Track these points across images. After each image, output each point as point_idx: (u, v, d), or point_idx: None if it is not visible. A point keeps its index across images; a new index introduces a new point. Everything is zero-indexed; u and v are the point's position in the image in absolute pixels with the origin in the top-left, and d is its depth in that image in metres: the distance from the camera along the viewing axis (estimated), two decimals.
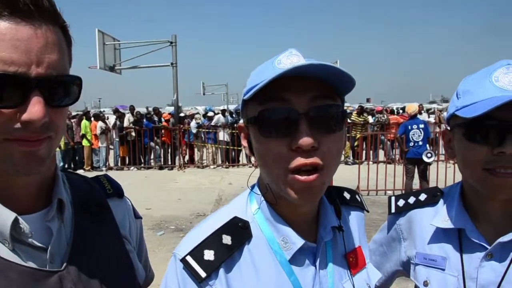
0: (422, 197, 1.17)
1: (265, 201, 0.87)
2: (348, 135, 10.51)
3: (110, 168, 13.28)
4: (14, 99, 0.66)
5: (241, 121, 0.88)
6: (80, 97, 0.77)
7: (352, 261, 0.92)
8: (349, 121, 13.27)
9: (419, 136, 7.66)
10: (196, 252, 0.80)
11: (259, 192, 0.88)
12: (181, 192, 9.42)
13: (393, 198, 1.23)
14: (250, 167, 12.59)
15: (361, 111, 14.02)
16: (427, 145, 7.94)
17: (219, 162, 13.83)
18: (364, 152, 13.07)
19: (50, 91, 0.70)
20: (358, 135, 13.05)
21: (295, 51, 0.81)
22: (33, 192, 0.78)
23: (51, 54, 0.69)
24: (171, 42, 14.18)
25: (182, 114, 15.57)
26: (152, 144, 13.51)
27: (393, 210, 1.20)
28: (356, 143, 13.29)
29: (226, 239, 0.82)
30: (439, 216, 1.08)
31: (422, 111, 15.22)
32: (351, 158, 13.51)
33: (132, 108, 14.29)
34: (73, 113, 17.17)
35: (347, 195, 1.03)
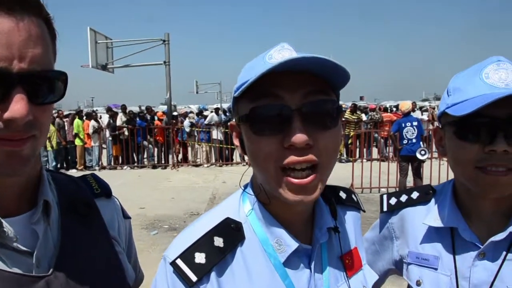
0: (414, 195, 1.16)
1: (258, 202, 0.83)
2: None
3: (103, 168, 13.20)
4: None
5: (233, 119, 0.85)
6: (65, 94, 0.73)
7: (348, 263, 0.89)
8: (342, 119, 13.26)
9: (412, 133, 7.69)
10: (187, 255, 0.77)
11: (252, 193, 0.85)
12: (174, 191, 9.36)
13: (385, 196, 1.22)
14: (244, 165, 12.53)
15: (355, 109, 14.01)
16: (421, 143, 7.98)
17: (213, 160, 13.79)
18: (357, 150, 13.09)
19: (34, 87, 0.65)
20: (352, 133, 13.08)
21: (287, 45, 0.78)
22: (17, 194, 0.75)
23: (34, 48, 0.64)
24: (164, 41, 14.10)
25: (175, 113, 15.49)
26: (145, 143, 13.44)
27: (385, 209, 1.19)
28: (349, 141, 13.32)
29: (218, 241, 0.79)
30: (431, 215, 1.07)
31: (416, 109, 15.30)
32: (345, 156, 13.52)
33: (123, 108, 14.16)
34: (66, 112, 17.06)
35: (343, 195, 0.99)
